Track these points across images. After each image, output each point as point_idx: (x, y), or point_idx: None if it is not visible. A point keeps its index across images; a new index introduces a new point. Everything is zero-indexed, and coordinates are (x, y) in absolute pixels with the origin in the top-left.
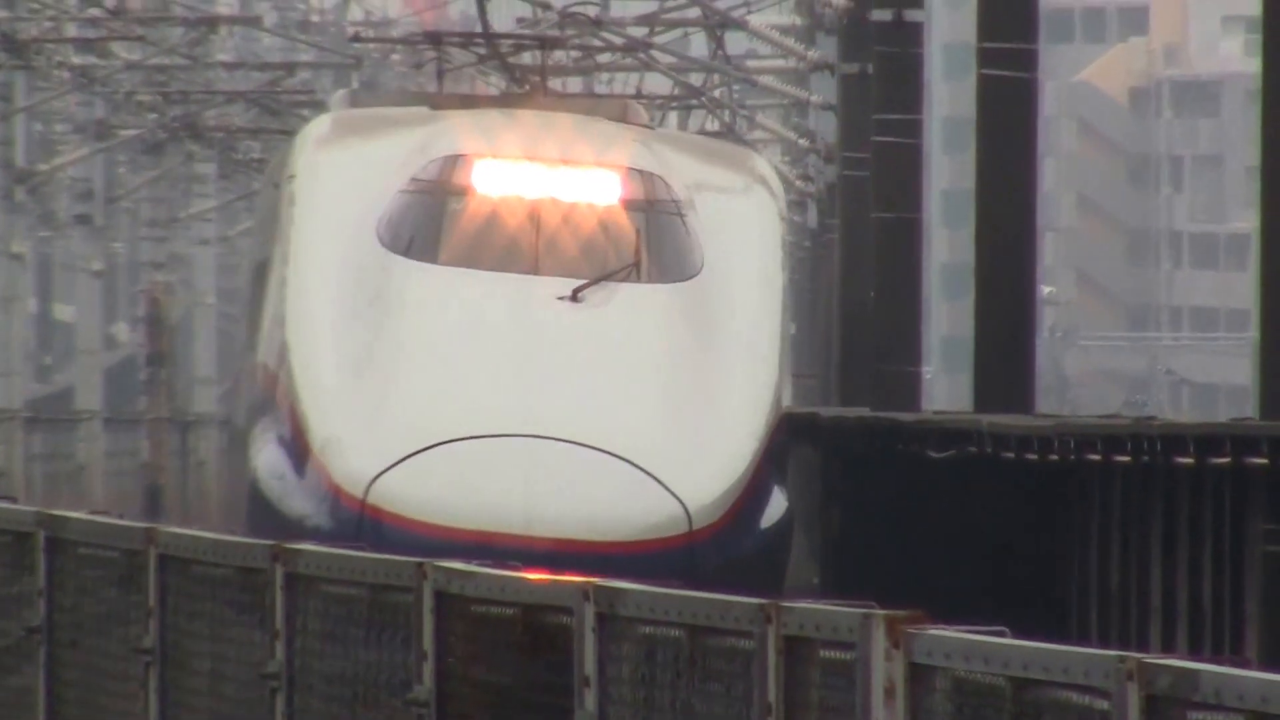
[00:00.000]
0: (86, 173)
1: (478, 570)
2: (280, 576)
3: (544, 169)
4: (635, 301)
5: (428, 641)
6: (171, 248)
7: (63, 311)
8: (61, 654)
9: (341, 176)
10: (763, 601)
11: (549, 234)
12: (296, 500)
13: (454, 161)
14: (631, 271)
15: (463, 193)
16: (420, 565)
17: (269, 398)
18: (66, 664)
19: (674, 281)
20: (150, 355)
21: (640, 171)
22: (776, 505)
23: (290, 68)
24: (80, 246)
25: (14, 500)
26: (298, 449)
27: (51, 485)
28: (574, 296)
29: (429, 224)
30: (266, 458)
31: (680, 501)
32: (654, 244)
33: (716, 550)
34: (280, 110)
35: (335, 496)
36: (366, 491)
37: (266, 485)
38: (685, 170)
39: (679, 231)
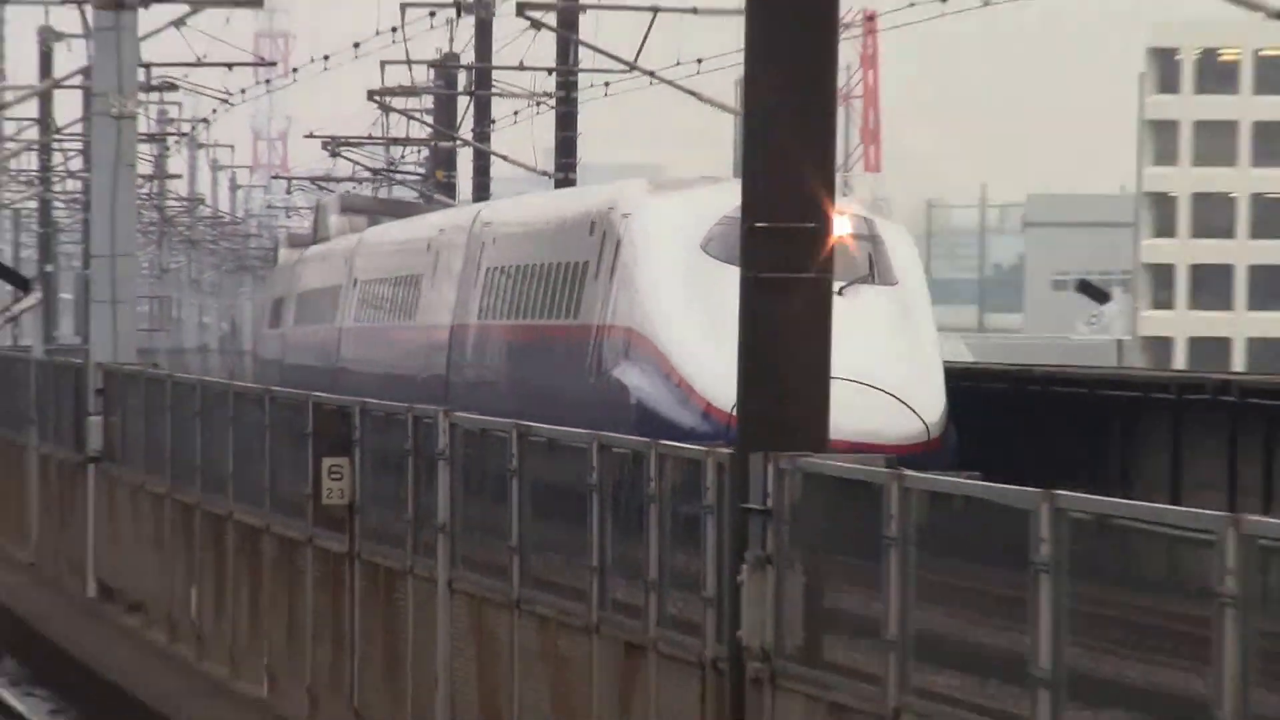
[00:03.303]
0: None
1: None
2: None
3: None
4: (873, 296)
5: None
6: None
7: None
8: None
9: (668, 214)
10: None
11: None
12: (677, 414)
13: None
14: (868, 277)
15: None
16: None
17: (627, 351)
18: None
19: (889, 285)
20: None
21: (863, 218)
22: (953, 428)
23: None
24: None
25: None
26: (671, 383)
27: None
28: (839, 292)
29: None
30: (645, 388)
31: (924, 423)
32: (876, 262)
33: (938, 452)
34: None
35: (710, 414)
36: (733, 410)
37: (649, 404)
38: (877, 217)
39: (886, 255)
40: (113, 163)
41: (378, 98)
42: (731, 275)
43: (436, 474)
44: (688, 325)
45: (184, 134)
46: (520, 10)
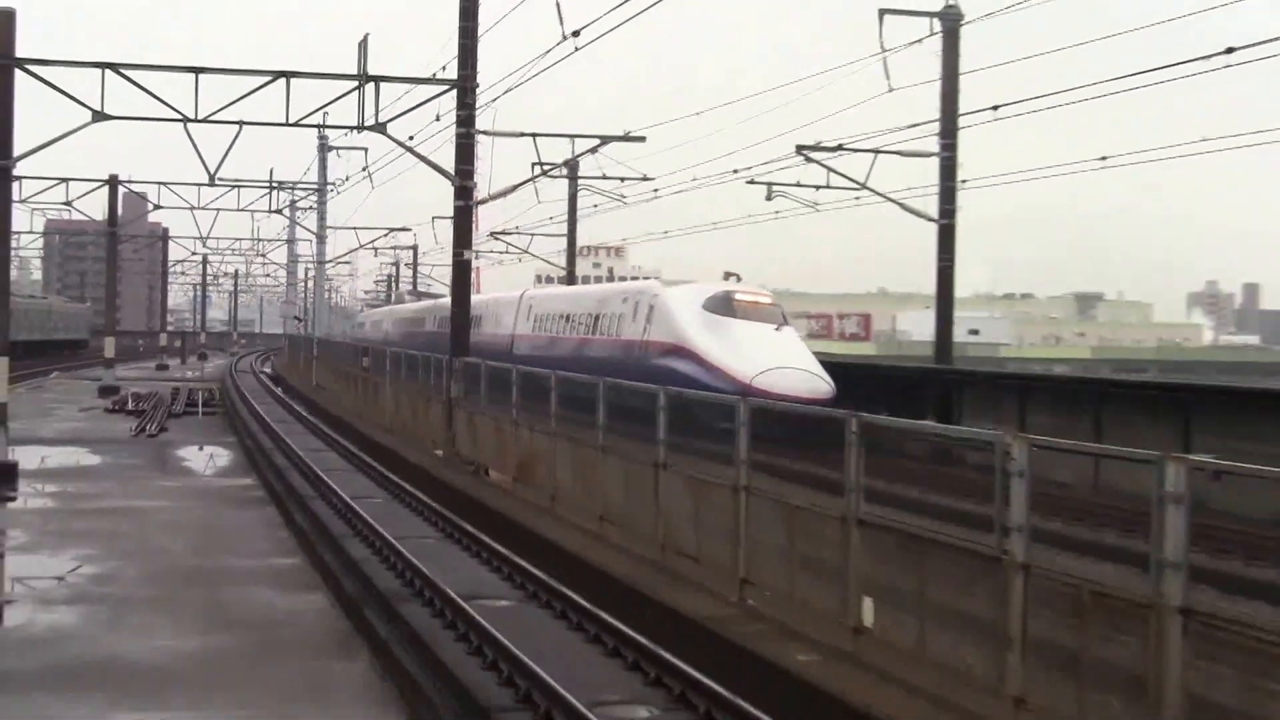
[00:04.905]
0: None
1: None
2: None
3: (754, 294)
4: (788, 331)
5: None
6: None
7: None
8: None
9: (678, 295)
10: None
11: (763, 310)
12: (713, 381)
13: (728, 291)
14: (783, 324)
15: (735, 299)
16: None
17: (673, 352)
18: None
19: (788, 327)
20: None
21: (774, 298)
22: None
23: None
24: None
25: None
26: (706, 367)
27: None
28: (778, 329)
29: (726, 306)
30: (691, 369)
31: (831, 385)
32: (784, 317)
33: (834, 399)
34: None
35: (738, 382)
36: (751, 381)
37: (693, 376)
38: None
39: (783, 314)
40: (318, 300)
41: (377, 282)
42: (721, 320)
43: (447, 377)
44: (709, 340)
45: (335, 291)
46: (799, 149)
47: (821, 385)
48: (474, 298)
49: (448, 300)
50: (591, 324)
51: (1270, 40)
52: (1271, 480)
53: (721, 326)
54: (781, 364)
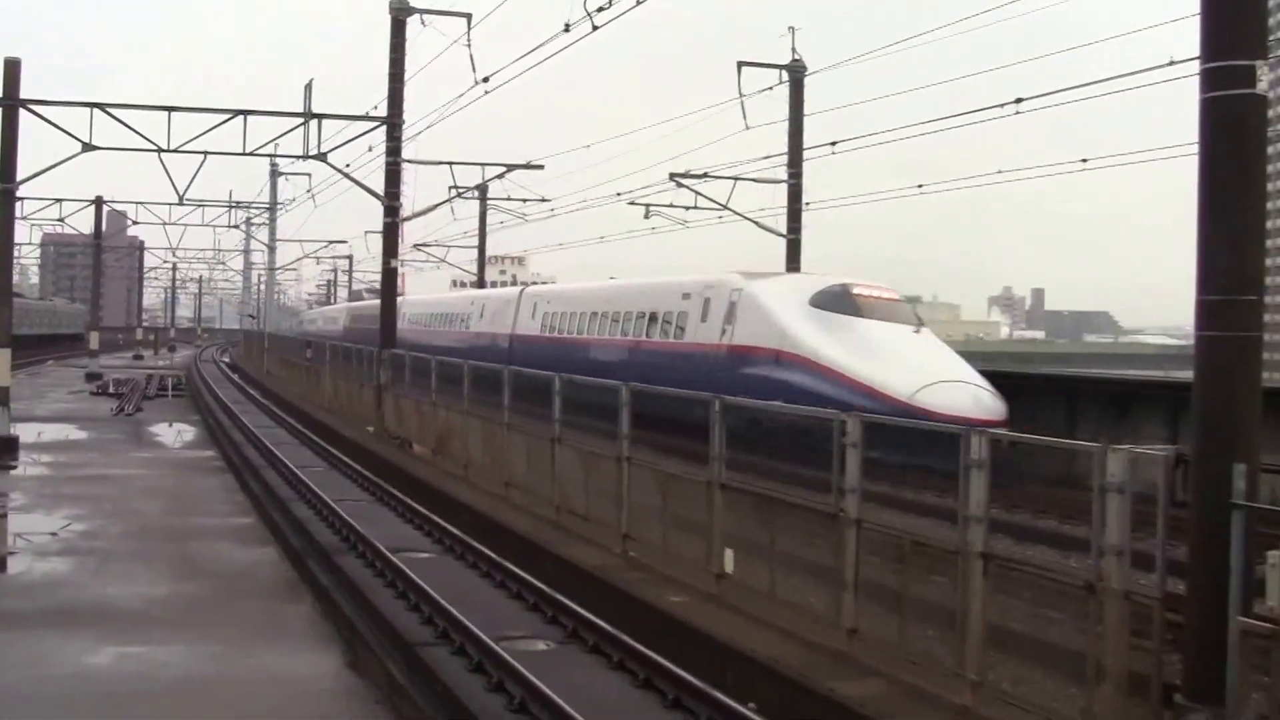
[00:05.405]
0: None
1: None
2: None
3: (877, 288)
4: (928, 334)
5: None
6: None
7: None
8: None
9: (778, 287)
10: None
11: (893, 309)
12: (856, 401)
13: (843, 285)
14: (919, 327)
15: (855, 293)
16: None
17: (775, 359)
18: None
19: (926, 329)
20: None
21: (900, 296)
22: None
23: None
24: None
25: None
26: (842, 380)
27: None
28: (916, 331)
29: (845, 303)
30: (805, 382)
31: (1002, 403)
32: (917, 315)
33: (1004, 422)
34: None
35: (893, 400)
36: (910, 399)
37: (813, 389)
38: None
39: (915, 313)
40: (269, 301)
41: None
42: (843, 320)
43: (377, 366)
44: (833, 346)
45: (283, 293)
46: (671, 176)
47: (992, 402)
48: (453, 295)
49: (404, 299)
50: (635, 324)
51: (1052, 92)
52: (1051, 448)
53: (845, 328)
54: (943, 377)
